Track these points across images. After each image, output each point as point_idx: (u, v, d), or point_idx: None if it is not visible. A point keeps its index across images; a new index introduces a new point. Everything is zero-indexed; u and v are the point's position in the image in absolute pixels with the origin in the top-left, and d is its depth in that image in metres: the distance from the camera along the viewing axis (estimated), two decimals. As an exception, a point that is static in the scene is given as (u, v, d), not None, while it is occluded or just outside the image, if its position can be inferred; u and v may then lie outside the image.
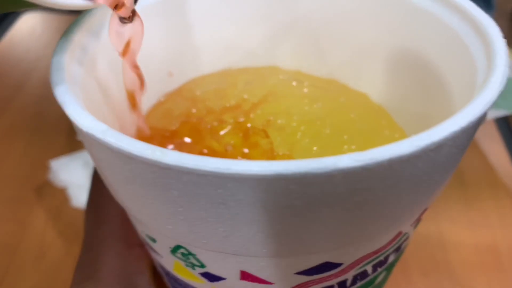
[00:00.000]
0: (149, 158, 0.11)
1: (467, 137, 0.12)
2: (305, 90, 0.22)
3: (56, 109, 0.42)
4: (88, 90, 0.15)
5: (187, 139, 0.19)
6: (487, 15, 0.16)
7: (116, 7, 0.14)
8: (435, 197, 0.15)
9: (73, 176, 0.35)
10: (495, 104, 0.34)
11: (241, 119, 0.20)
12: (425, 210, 0.16)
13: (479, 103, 0.12)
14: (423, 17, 0.18)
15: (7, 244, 0.32)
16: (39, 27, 0.53)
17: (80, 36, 0.16)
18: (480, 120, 0.12)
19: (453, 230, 0.32)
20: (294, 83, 0.23)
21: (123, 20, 0.15)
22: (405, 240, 0.17)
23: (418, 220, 0.16)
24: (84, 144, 0.14)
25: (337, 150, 0.19)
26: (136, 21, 0.15)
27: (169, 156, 0.11)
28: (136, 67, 0.16)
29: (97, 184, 0.22)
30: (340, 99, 0.22)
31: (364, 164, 0.10)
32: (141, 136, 0.18)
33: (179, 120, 0.20)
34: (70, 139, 0.38)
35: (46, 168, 0.36)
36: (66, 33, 0.15)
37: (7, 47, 0.52)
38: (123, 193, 0.14)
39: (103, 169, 0.14)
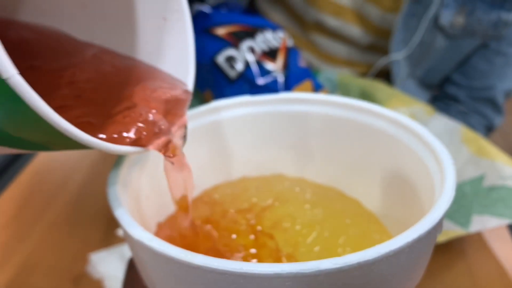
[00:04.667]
0: (183, 260, 0.15)
1: (421, 246, 0.16)
2: (307, 196, 0.26)
3: (95, 206, 0.46)
4: (132, 208, 0.20)
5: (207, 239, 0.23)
6: (443, 147, 0.20)
7: (166, 151, 0.19)
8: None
9: (110, 268, 0.37)
10: (501, 214, 0.37)
11: (252, 221, 0.24)
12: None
13: (425, 223, 0.16)
14: (399, 146, 0.23)
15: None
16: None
17: (126, 167, 0.21)
18: (431, 232, 0.16)
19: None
20: (297, 189, 0.27)
21: (170, 160, 0.20)
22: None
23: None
24: (131, 248, 0.18)
25: (334, 251, 0.23)
26: (185, 168, 0.20)
27: (197, 258, 0.15)
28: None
29: (130, 276, 0.25)
30: (337, 205, 0.26)
31: (340, 266, 0.14)
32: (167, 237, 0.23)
33: (201, 222, 0.24)
34: (107, 233, 0.42)
35: (84, 260, 0.39)
36: (114, 167, 0.20)
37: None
38: (160, 286, 0.17)
39: (146, 267, 0.17)
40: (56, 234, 0.43)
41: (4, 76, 0.12)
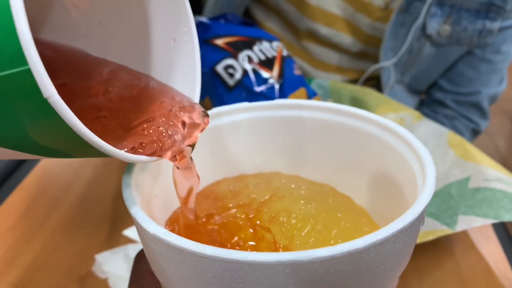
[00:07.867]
0: (195, 251, 0.17)
1: (405, 236, 0.18)
2: (302, 192, 0.28)
3: (99, 208, 0.48)
4: (144, 207, 0.22)
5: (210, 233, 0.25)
6: (425, 148, 0.22)
7: (176, 160, 0.21)
8: (392, 280, 0.20)
9: (114, 268, 0.39)
10: (485, 214, 0.39)
11: (251, 216, 0.26)
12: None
13: (408, 215, 0.18)
14: (386, 148, 0.25)
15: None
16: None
17: (137, 171, 0.23)
18: (414, 224, 0.18)
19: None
20: (293, 186, 0.29)
21: (179, 167, 0.22)
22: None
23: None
24: (144, 242, 0.20)
25: (327, 243, 0.25)
26: (194, 175, 0.22)
27: (208, 249, 0.17)
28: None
29: (136, 275, 0.27)
30: (329, 200, 0.28)
31: (333, 254, 0.16)
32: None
33: (203, 216, 0.26)
34: (111, 234, 0.44)
35: (89, 260, 0.40)
36: (127, 170, 0.22)
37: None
38: (171, 276, 0.19)
39: (158, 259, 0.19)
40: (62, 235, 0.44)
41: (46, 95, 0.14)
